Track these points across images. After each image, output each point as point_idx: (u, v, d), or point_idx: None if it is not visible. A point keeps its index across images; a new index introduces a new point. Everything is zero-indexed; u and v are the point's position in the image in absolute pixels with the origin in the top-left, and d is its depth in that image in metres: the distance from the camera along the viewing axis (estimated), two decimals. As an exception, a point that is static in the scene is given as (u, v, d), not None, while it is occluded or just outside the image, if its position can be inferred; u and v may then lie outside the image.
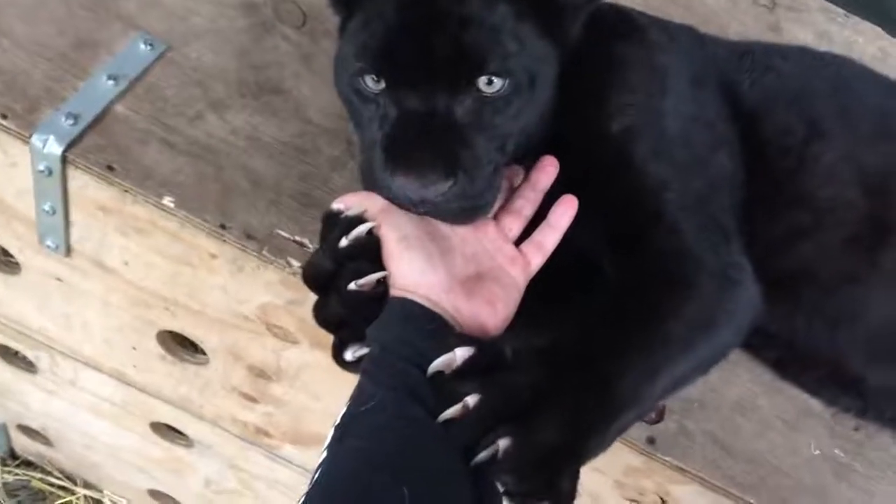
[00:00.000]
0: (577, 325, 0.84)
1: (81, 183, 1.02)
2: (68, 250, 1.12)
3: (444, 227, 0.85)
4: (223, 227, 1.00)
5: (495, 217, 0.90)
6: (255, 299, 1.07)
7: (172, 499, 1.69)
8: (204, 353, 1.22)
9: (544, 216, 0.91)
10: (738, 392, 1.06)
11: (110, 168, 1.00)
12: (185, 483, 1.59)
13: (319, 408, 1.20)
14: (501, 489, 0.71)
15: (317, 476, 0.69)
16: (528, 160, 0.93)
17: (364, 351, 0.79)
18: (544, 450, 0.71)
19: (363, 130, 0.89)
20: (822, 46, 1.43)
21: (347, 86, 0.89)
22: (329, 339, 1.06)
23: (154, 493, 1.71)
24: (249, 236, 1.00)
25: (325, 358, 1.09)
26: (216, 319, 1.12)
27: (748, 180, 0.99)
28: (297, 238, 1.01)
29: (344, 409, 0.74)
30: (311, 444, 1.29)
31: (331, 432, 0.73)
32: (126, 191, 1.00)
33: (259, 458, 1.39)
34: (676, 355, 0.83)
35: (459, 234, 0.85)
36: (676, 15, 1.19)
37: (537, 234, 0.90)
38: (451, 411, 0.71)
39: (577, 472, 0.74)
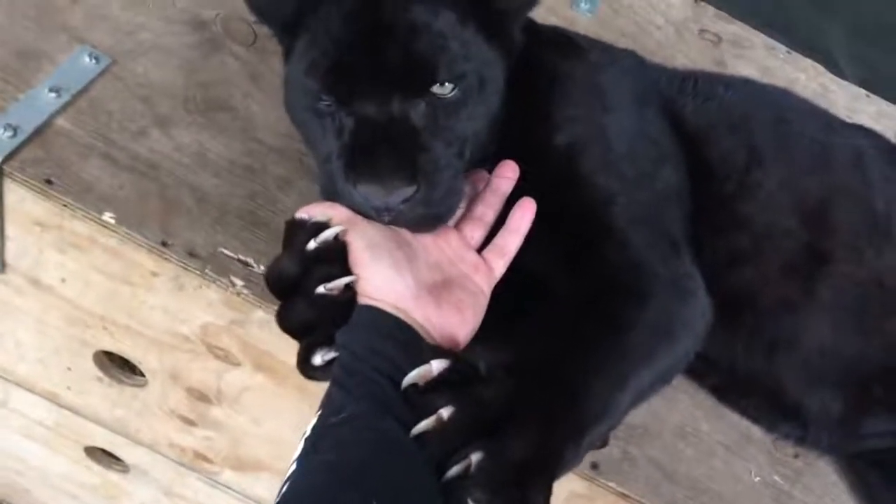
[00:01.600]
0: (539, 340, 0.84)
1: (18, 197, 0.99)
2: (3, 266, 1.09)
3: (408, 236, 0.85)
4: (164, 244, 0.97)
5: (457, 225, 0.91)
6: (197, 319, 1.04)
7: (106, 527, 1.64)
8: (142, 375, 1.18)
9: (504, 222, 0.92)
10: (680, 418, 1.07)
11: (49, 182, 0.97)
12: (121, 510, 1.54)
13: (261, 432, 1.18)
14: None
15: (284, 489, 0.67)
16: (486, 167, 0.94)
17: (333, 355, 0.77)
18: (517, 464, 0.71)
19: (319, 146, 0.89)
20: (765, 81, 1.47)
21: (300, 105, 0.89)
22: (273, 362, 1.05)
23: (87, 521, 1.65)
24: (192, 254, 0.98)
25: (267, 381, 1.08)
26: (155, 340, 1.10)
27: (692, 199, 1.01)
28: (242, 257, 0.99)
29: (314, 421, 0.72)
30: (252, 470, 1.26)
31: (301, 444, 0.71)
32: (65, 205, 0.97)
33: (197, 485, 1.35)
34: (639, 365, 0.84)
35: (422, 243, 0.86)
36: (624, 46, 1.21)
37: (498, 240, 0.91)
38: (425, 424, 0.70)
39: (550, 487, 0.74)
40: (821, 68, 1.59)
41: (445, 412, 0.70)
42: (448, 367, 0.73)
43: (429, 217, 0.84)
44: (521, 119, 0.95)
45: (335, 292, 0.78)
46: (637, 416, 1.04)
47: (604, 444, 1.02)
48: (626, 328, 0.85)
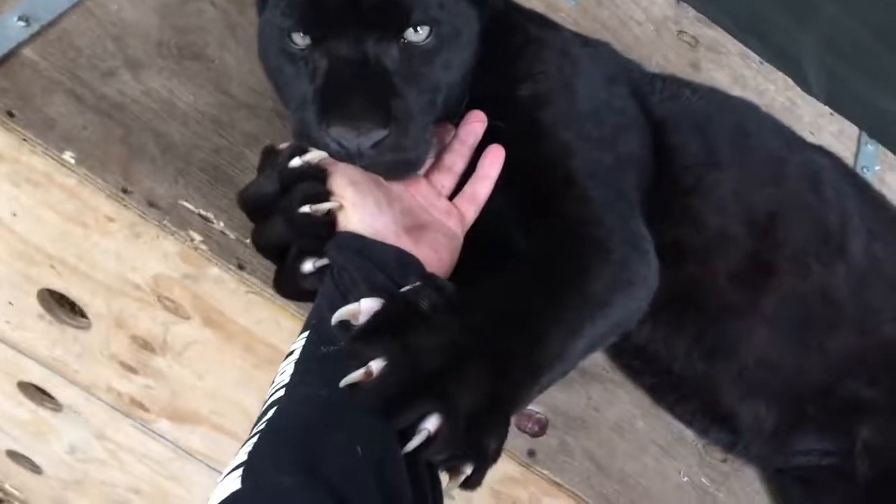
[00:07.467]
0: (497, 283, 0.82)
1: (-25, 125, 0.96)
2: (-49, 193, 1.06)
3: (382, 182, 0.85)
4: (125, 191, 0.95)
5: (427, 174, 0.92)
6: (150, 269, 1.03)
7: (31, 461, 1.62)
8: (86, 317, 1.17)
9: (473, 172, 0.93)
10: (618, 413, 1.09)
11: (10, 114, 0.94)
12: (48, 448, 1.52)
13: (202, 386, 1.17)
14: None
15: (272, 414, 0.65)
16: (455, 119, 0.95)
17: (324, 262, 0.77)
18: (475, 417, 0.67)
19: (292, 90, 0.89)
20: (736, 89, 1.49)
21: (274, 49, 0.90)
22: (223, 319, 1.04)
23: (12, 454, 1.63)
24: (151, 204, 0.96)
25: (215, 337, 1.07)
26: (104, 284, 1.08)
27: (651, 183, 1.02)
28: (202, 212, 0.97)
29: (302, 343, 0.71)
30: (188, 423, 1.26)
31: (291, 368, 0.69)
32: (24, 140, 0.94)
33: (130, 431, 1.34)
34: (596, 314, 0.85)
35: (394, 191, 0.86)
36: (603, 38, 1.21)
37: (469, 186, 0.93)
38: (354, 376, 0.65)
39: (506, 430, 0.71)
40: (790, 82, 1.61)
41: (375, 365, 0.65)
42: (381, 308, 0.68)
43: (399, 164, 0.86)
44: (492, 75, 0.96)
45: (318, 214, 0.77)
46: (577, 408, 1.07)
47: (542, 431, 1.04)
48: (587, 278, 0.86)
